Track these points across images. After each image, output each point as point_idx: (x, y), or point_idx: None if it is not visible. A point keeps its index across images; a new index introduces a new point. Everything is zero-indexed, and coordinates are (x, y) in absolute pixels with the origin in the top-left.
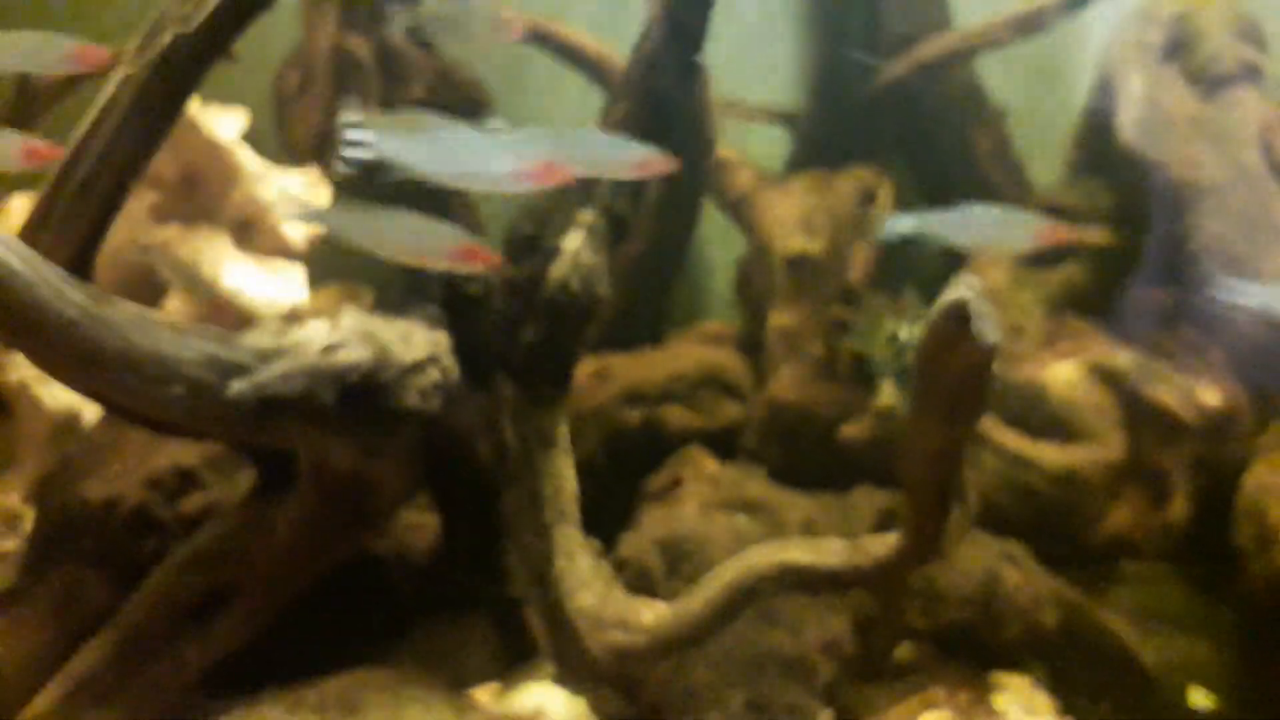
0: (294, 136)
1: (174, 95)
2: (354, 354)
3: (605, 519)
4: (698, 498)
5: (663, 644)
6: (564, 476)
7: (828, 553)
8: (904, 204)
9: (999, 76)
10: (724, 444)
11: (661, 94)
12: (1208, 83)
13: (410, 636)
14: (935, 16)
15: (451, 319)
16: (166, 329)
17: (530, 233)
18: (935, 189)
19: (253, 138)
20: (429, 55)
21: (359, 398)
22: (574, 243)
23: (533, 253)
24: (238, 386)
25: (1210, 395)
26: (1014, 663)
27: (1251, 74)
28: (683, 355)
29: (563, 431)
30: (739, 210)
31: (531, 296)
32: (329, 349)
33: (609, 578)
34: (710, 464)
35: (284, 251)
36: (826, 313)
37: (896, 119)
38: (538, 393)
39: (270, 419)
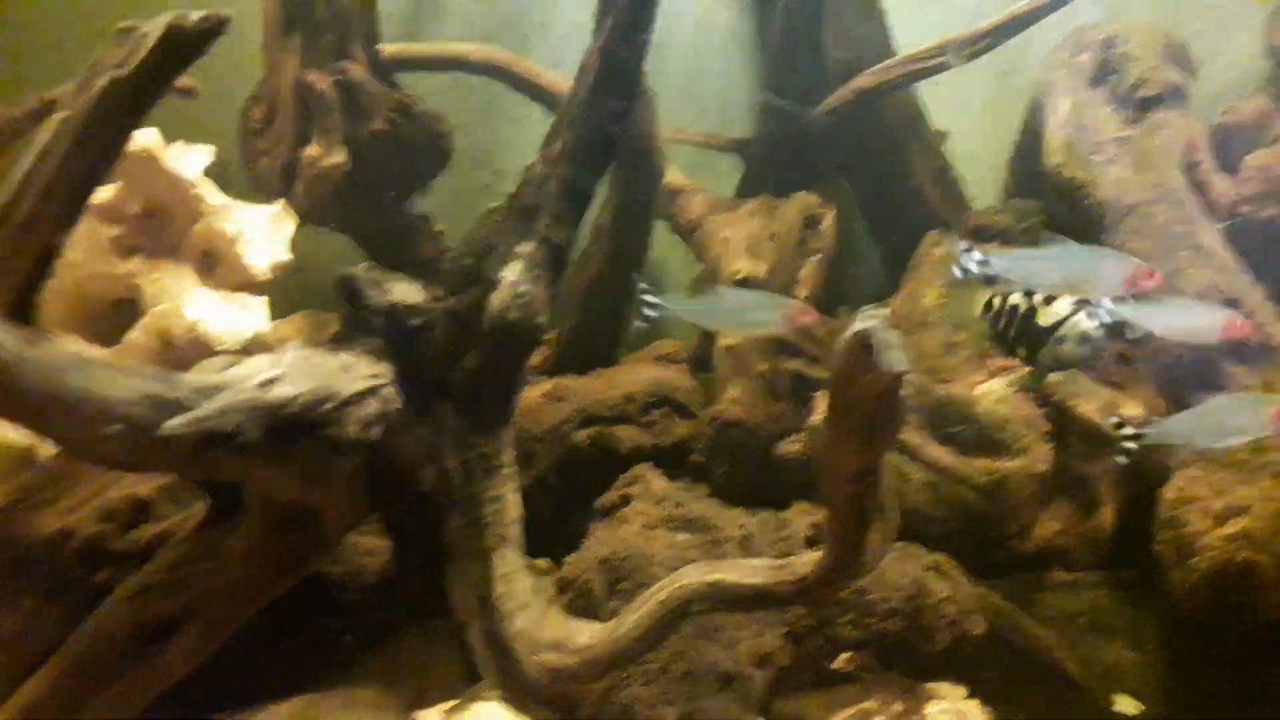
0: (259, 171)
1: (112, 136)
2: (292, 387)
3: (559, 537)
4: (642, 517)
5: (596, 664)
6: (506, 501)
7: (755, 571)
8: (848, 227)
9: (944, 100)
10: (675, 461)
11: (600, 129)
12: (1134, 105)
13: (376, 655)
14: (877, 44)
15: (394, 350)
16: (102, 369)
17: (470, 264)
18: (878, 212)
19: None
20: (390, 89)
21: (298, 430)
22: (513, 273)
23: (473, 283)
24: (174, 423)
25: (1131, 408)
26: (948, 672)
27: (1176, 96)
28: (636, 375)
29: (507, 457)
30: (692, 235)
31: (472, 326)
32: (266, 383)
33: (547, 600)
34: (659, 482)
35: (248, 283)
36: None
37: (841, 144)
38: (480, 420)
39: (209, 454)
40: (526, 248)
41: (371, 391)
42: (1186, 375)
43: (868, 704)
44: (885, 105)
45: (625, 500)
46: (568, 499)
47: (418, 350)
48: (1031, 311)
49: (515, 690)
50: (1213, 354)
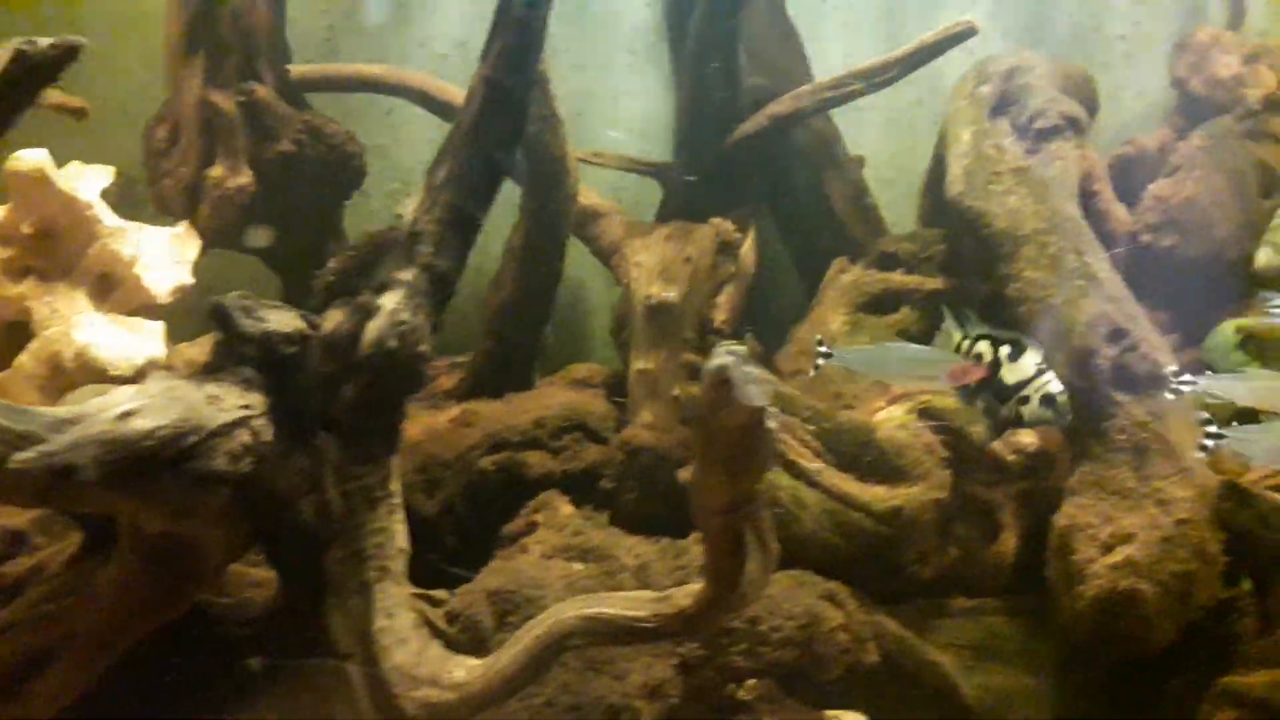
0: (164, 192)
1: None
2: (151, 420)
3: (466, 567)
4: (541, 545)
5: (472, 700)
6: (390, 534)
7: (635, 604)
8: (768, 251)
9: (863, 126)
10: (585, 487)
11: (486, 156)
12: (1033, 136)
13: (281, 686)
14: (794, 71)
15: (268, 380)
16: None
17: (339, 288)
18: (797, 237)
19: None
20: (297, 110)
21: (159, 463)
22: (392, 301)
23: (343, 307)
24: (22, 457)
25: (1027, 436)
26: (849, 700)
27: (1074, 127)
28: (548, 400)
29: (393, 488)
30: (611, 258)
31: (349, 355)
32: (124, 415)
33: (428, 635)
34: (565, 509)
35: (147, 307)
36: (682, 357)
37: (760, 170)
38: (362, 451)
39: (61, 488)
40: (407, 275)
41: (241, 423)
42: (1074, 405)
43: None
44: (803, 131)
45: (532, 527)
46: (476, 527)
47: (293, 380)
48: (996, 364)
49: None
50: (1100, 384)
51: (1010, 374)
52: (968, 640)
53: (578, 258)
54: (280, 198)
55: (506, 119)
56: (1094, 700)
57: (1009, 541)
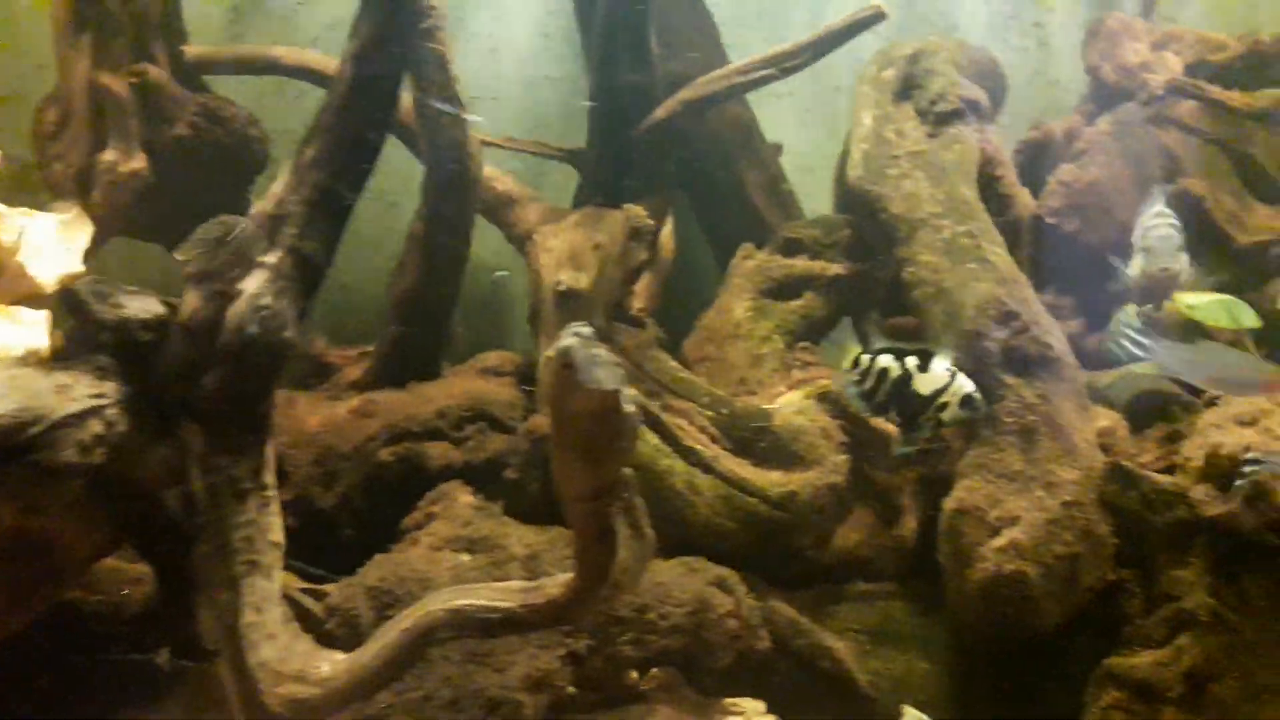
0: (55, 177)
1: None
2: None
3: (365, 560)
4: (431, 538)
5: (338, 695)
6: (260, 526)
7: (505, 595)
8: (684, 238)
9: (782, 113)
10: (489, 478)
11: (356, 136)
12: (933, 119)
13: (182, 684)
14: (709, 56)
15: (125, 367)
16: None
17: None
18: (714, 224)
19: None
20: (194, 93)
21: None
22: (254, 285)
23: (203, 292)
24: None
25: None
26: (748, 688)
27: (976, 111)
28: (452, 389)
29: (267, 480)
30: (523, 245)
31: (209, 342)
32: None
33: (298, 629)
34: (466, 499)
35: (32, 295)
36: None
37: (675, 155)
38: (229, 441)
39: None
40: (271, 258)
41: (93, 412)
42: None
43: None
44: (718, 118)
45: (430, 519)
46: (375, 519)
47: (152, 368)
48: (906, 377)
49: None
50: (990, 366)
51: (923, 384)
52: (864, 625)
53: (497, 245)
54: (179, 183)
55: (377, 98)
56: (987, 684)
57: (908, 525)
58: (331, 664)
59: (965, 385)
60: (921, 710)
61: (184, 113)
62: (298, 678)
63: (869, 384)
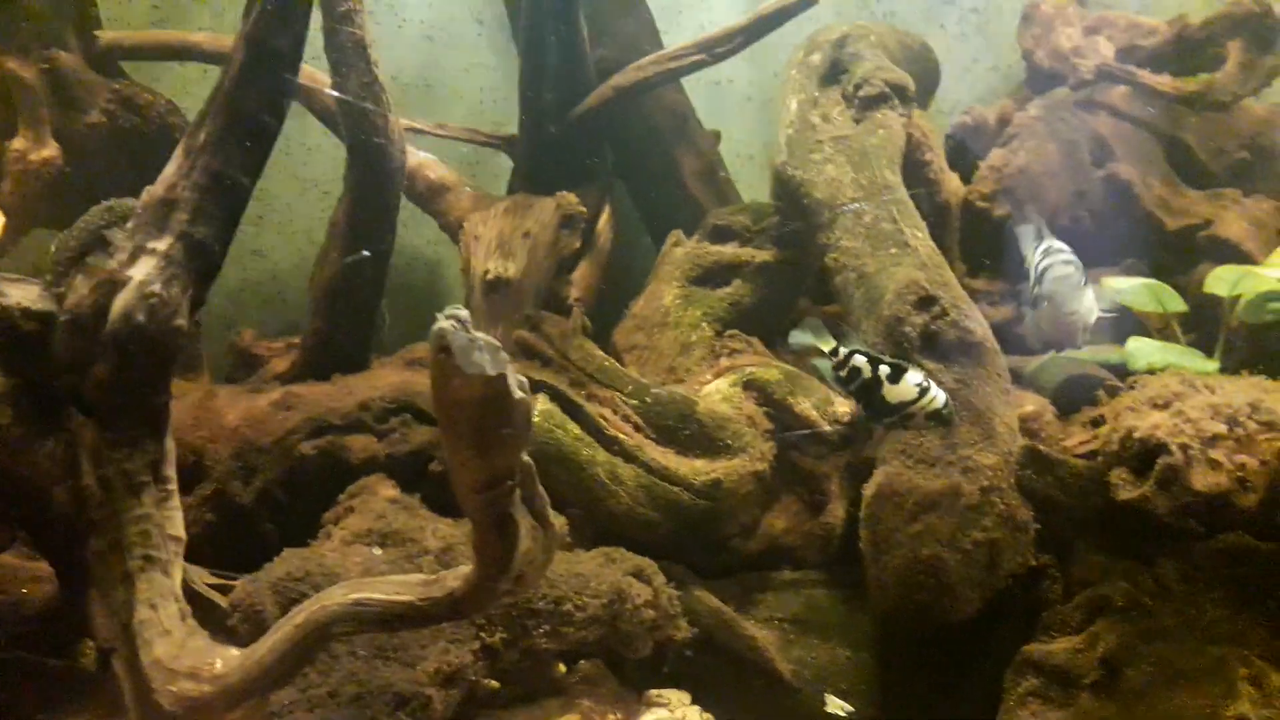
0: None
1: None
2: None
3: None
4: (344, 532)
5: (231, 692)
6: (157, 520)
7: (404, 588)
8: (625, 227)
9: (723, 100)
10: (414, 470)
11: (250, 119)
12: (858, 104)
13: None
14: (641, 42)
15: (7, 358)
16: None
17: (73, 255)
18: (652, 211)
19: None
20: (110, 80)
21: None
22: (142, 272)
23: (89, 279)
24: None
25: (843, 405)
26: (675, 679)
27: (900, 94)
28: (377, 381)
29: (167, 473)
30: (456, 234)
31: (95, 331)
32: None
33: (194, 626)
34: (387, 492)
35: None
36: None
37: (611, 143)
38: (121, 434)
39: None
40: (161, 245)
41: None
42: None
43: (569, 717)
44: (653, 106)
45: (350, 513)
46: (297, 514)
47: (37, 359)
48: (877, 383)
49: None
50: (909, 351)
51: (892, 395)
52: (789, 614)
53: (433, 235)
54: (96, 172)
55: (272, 80)
56: (910, 672)
57: (836, 512)
58: (225, 660)
59: (936, 399)
60: (844, 699)
61: (98, 100)
62: (190, 675)
63: (844, 373)
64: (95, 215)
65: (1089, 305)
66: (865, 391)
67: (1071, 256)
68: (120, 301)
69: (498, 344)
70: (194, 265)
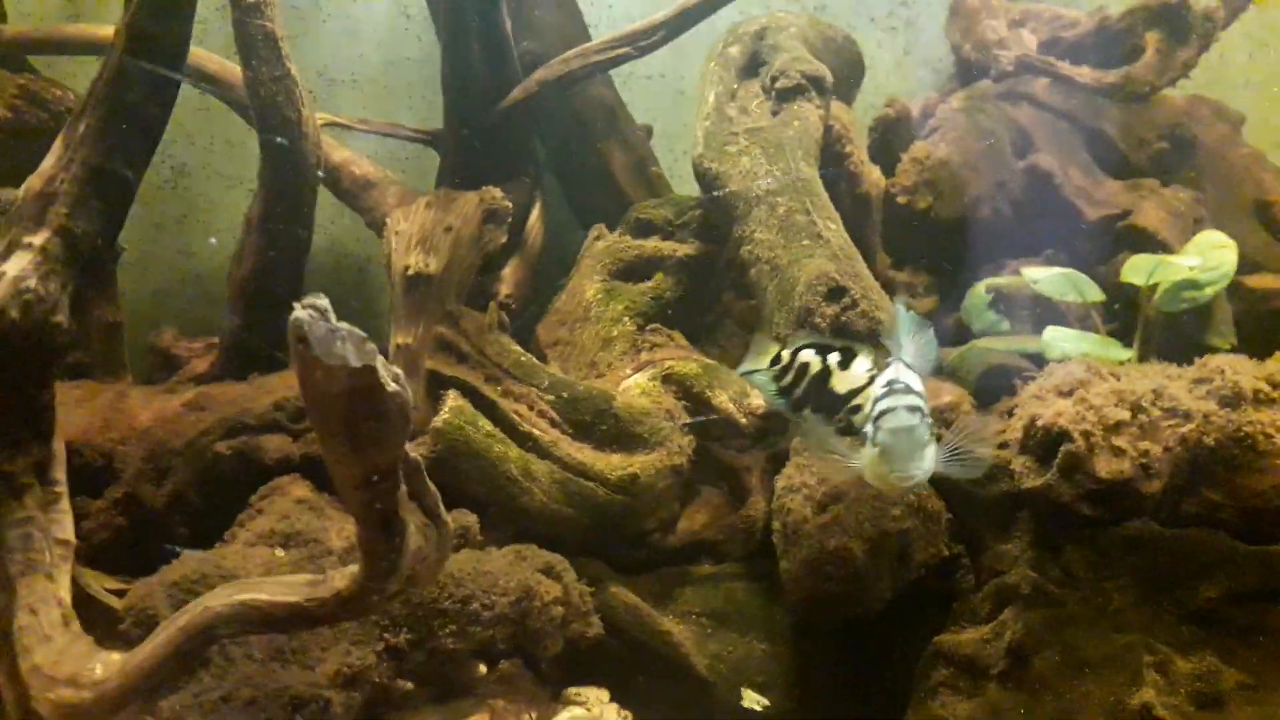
0: None
1: None
2: None
3: None
4: (248, 533)
5: (111, 698)
6: (40, 524)
7: (289, 589)
8: (553, 219)
9: (658, 97)
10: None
11: (133, 111)
12: (775, 96)
13: None
14: (568, 35)
15: None
16: None
17: None
18: (582, 206)
19: None
20: (15, 74)
21: None
22: (16, 267)
23: None
24: None
25: (758, 398)
26: (594, 677)
27: (817, 86)
28: (293, 380)
29: (55, 475)
30: (382, 230)
31: None
32: None
33: (77, 631)
34: (298, 492)
35: None
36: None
37: (540, 138)
38: (1, 435)
39: None
40: (38, 239)
41: None
42: None
43: (478, 717)
44: (582, 100)
45: (260, 515)
46: (210, 516)
47: None
48: (826, 374)
49: None
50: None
51: (841, 383)
52: (707, 607)
53: (360, 232)
54: (1, 168)
55: (154, 71)
56: (825, 664)
57: (758, 505)
58: (105, 666)
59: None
60: (760, 692)
61: (3, 95)
62: (69, 682)
63: (788, 379)
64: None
65: (926, 468)
66: (815, 389)
67: (919, 402)
68: None
69: (364, 335)
70: (73, 260)
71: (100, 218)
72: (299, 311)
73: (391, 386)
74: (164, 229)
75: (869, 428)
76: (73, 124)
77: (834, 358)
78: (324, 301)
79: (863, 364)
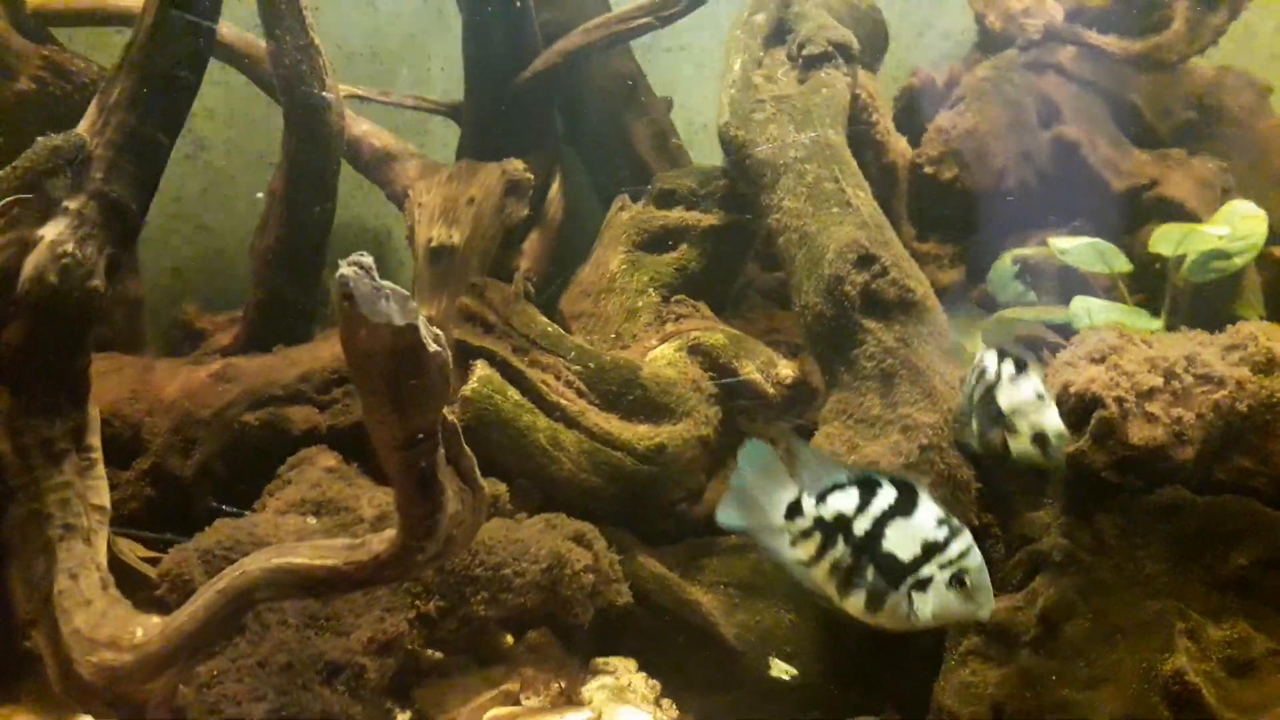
0: None
1: None
2: None
3: None
4: (278, 502)
5: (152, 661)
6: (78, 489)
7: (328, 552)
8: (575, 196)
9: (679, 68)
10: (356, 441)
11: (166, 75)
12: (801, 63)
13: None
14: (588, 5)
15: None
16: None
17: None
18: (602, 178)
19: None
20: (38, 46)
21: None
22: (54, 231)
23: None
24: None
25: (786, 368)
26: (622, 646)
27: (844, 54)
28: (318, 352)
29: (90, 441)
30: (402, 202)
31: (5, 294)
32: None
33: (116, 595)
34: (326, 462)
35: None
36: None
37: (561, 110)
38: (38, 400)
39: None
40: (74, 203)
41: None
42: (827, 331)
43: (509, 685)
44: (603, 72)
45: (289, 485)
46: (238, 487)
47: None
48: (996, 379)
49: (74, 693)
50: (849, 310)
51: (1005, 396)
52: (734, 578)
53: (380, 205)
54: (26, 140)
55: (187, 35)
56: (852, 634)
57: None
58: (146, 629)
59: (1046, 419)
60: (789, 661)
61: (28, 67)
62: (110, 644)
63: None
64: (40, 156)
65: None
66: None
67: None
68: (31, 262)
69: (406, 294)
70: (110, 224)
71: (135, 183)
72: (345, 269)
73: (433, 346)
74: (183, 202)
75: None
76: (106, 89)
77: (1008, 369)
78: (369, 259)
79: (1033, 384)
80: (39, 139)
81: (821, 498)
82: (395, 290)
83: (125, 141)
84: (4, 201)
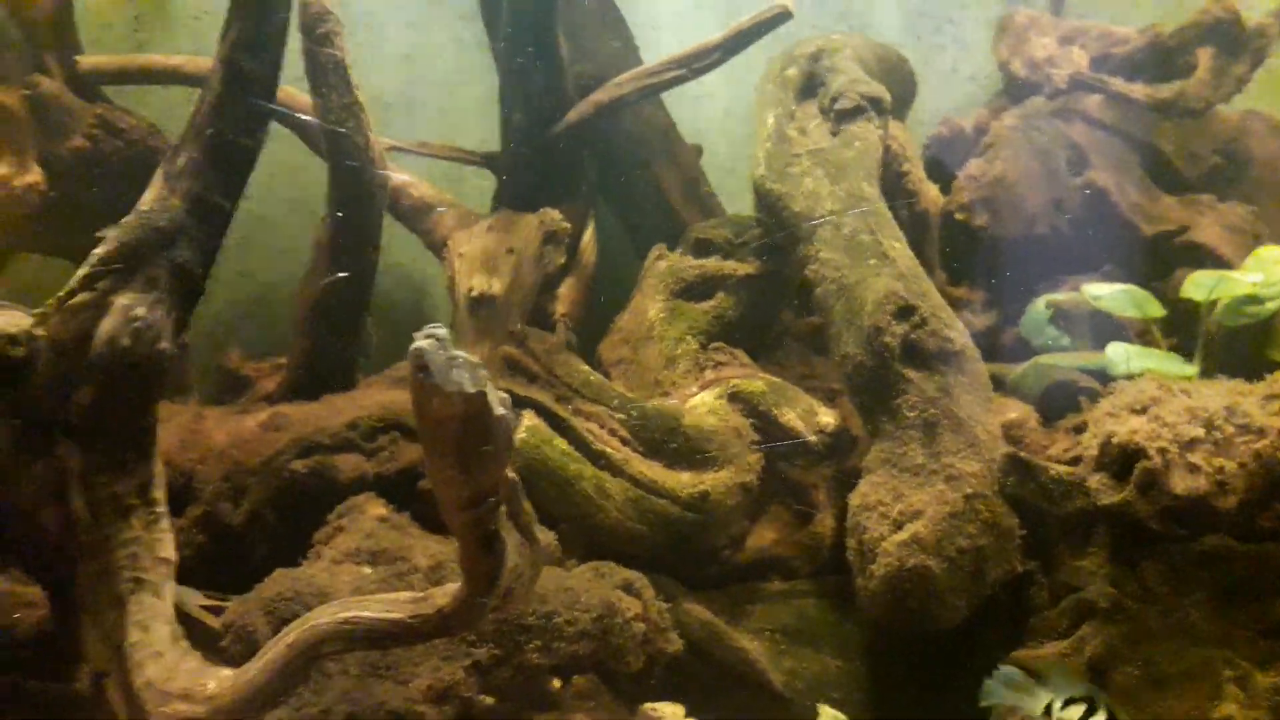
0: None
1: None
2: None
3: None
4: (333, 551)
5: (224, 712)
6: (146, 542)
7: (394, 606)
8: (606, 242)
9: (707, 116)
10: (403, 489)
11: (229, 143)
12: (835, 117)
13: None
14: (620, 58)
15: None
16: None
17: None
18: (635, 227)
19: None
20: (91, 104)
21: None
22: (127, 296)
23: (74, 305)
24: None
25: (827, 416)
26: (669, 692)
27: (876, 106)
28: (364, 400)
29: (156, 495)
30: (441, 251)
31: (80, 356)
32: None
33: (187, 647)
34: (376, 510)
35: None
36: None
37: (594, 159)
38: (108, 458)
39: None
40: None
41: None
42: (868, 381)
43: None
44: (635, 121)
45: (339, 533)
46: (287, 535)
47: (23, 384)
48: None
49: None
50: (890, 361)
51: None
52: (780, 624)
53: (418, 253)
54: (79, 196)
55: (249, 103)
56: (900, 680)
57: (825, 522)
58: (218, 681)
59: None
60: (838, 708)
61: (80, 124)
62: (183, 696)
63: None
64: (141, 231)
65: None
66: None
67: None
68: (105, 326)
69: (476, 361)
70: (177, 288)
71: (199, 248)
72: (421, 341)
73: (499, 411)
74: (225, 251)
75: None
76: (171, 157)
77: None
78: (443, 330)
79: None
80: (137, 212)
81: None
82: (467, 359)
83: (191, 208)
84: (98, 271)
